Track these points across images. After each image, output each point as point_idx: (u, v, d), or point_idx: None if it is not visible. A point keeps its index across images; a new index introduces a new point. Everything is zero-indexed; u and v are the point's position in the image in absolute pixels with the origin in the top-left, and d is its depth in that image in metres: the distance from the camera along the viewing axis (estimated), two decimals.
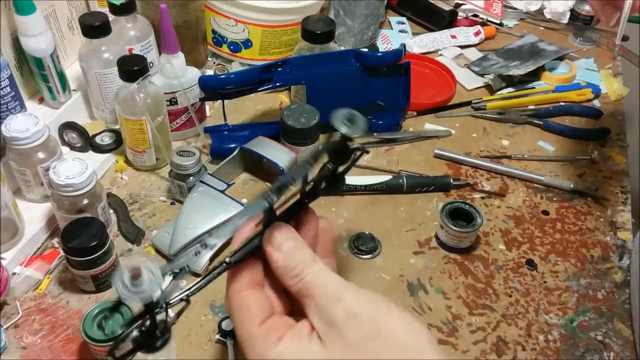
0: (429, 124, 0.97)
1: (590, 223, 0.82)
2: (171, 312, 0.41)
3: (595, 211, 0.84)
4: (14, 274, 0.71)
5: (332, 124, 0.42)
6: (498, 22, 1.19)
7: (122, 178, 0.85)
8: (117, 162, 0.87)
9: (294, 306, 0.45)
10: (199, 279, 0.42)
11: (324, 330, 0.39)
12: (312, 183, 0.46)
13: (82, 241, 0.66)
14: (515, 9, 1.23)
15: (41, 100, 0.87)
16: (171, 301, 0.40)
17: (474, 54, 1.12)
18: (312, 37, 0.91)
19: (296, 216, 0.46)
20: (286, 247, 0.42)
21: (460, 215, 0.76)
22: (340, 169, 0.46)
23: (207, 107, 0.95)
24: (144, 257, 0.39)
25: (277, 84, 0.87)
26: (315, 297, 0.40)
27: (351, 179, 0.84)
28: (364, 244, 0.76)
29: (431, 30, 1.17)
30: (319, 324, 0.40)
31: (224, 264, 0.42)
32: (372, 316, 0.39)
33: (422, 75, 1.05)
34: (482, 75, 1.06)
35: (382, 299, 0.40)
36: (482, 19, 1.19)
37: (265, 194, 0.42)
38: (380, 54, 0.95)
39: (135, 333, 0.39)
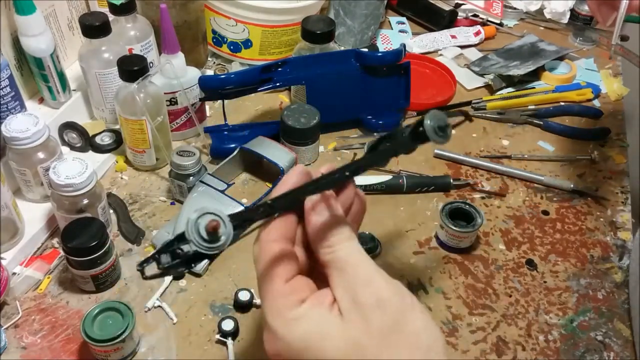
0: None
1: (590, 223, 0.82)
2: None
3: (595, 211, 0.84)
4: (14, 274, 0.71)
5: (425, 127, 0.40)
6: (498, 22, 1.19)
7: (122, 178, 0.85)
8: (117, 162, 0.87)
9: (312, 267, 0.45)
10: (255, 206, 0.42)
11: (348, 307, 0.39)
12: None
13: (82, 241, 0.66)
14: (515, 9, 1.23)
15: (41, 100, 0.87)
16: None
17: (474, 54, 1.12)
18: (312, 37, 0.91)
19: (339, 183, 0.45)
20: (327, 214, 0.42)
21: (460, 215, 0.76)
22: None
23: (207, 107, 0.95)
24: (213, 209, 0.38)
25: (277, 84, 0.88)
26: (346, 273, 0.40)
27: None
28: (364, 244, 0.75)
29: (431, 30, 1.17)
30: (343, 300, 0.39)
31: (268, 206, 0.42)
32: (399, 308, 0.39)
33: (422, 75, 1.05)
34: (482, 75, 1.06)
35: (407, 293, 0.40)
36: (482, 19, 1.19)
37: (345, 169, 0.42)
38: (380, 54, 0.95)
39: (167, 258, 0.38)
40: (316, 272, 0.44)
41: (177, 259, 0.39)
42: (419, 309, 0.40)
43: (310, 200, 0.42)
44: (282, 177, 0.79)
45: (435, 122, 0.39)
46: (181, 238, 0.39)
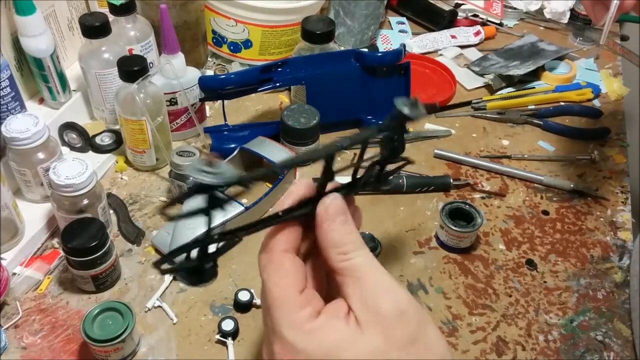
0: (429, 124, 0.97)
1: (590, 223, 0.82)
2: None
3: (595, 211, 0.84)
4: (14, 274, 0.71)
5: (394, 106, 0.42)
6: (498, 22, 1.19)
7: (122, 178, 0.85)
8: (117, 162, 0.87)
9: (316, 281, 0.44)
10: (253, 222, 0.42)
11: (366, 317, 0.39)
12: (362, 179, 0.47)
13: (82, 241, 0.66)
14: (515, 9, 1.23)
15: (41, 101, 0.87)
16: (222, 235, 0.40)
17: (474, 54, 1.12)
18: (312, 37, 0.91)
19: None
20: (340, 220, 0.41)
21: (460, 215, 0.76)
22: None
23: (207, 107, 0.96)
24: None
25: (277, 84, 0.88)
26: (364, 282, 0.40)
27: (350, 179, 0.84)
28: None
29: (431, 30, 1.17)
30: (360, 309, 0.39)
31: (277, 216, 0.42)
32: (418, 319, 0.39)
33: (422, 75, 1.05)
34: (482, 75, 1.06)
35: (420, 306, 0.40)
36: (482, 19, 1.19)
37: (339, 141, 0.42)
38: (380, 54, 0.95)
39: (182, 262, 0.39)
40: (320, 284, 0.44)
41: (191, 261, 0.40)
42: (431, 321, 0.40)
43: (323, 205, 0.42)
44: (282, 178, 0.80)
45: (405, 101, 0.42)
46: (196, 242, 0.39)
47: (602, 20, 0.73)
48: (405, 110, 0.42)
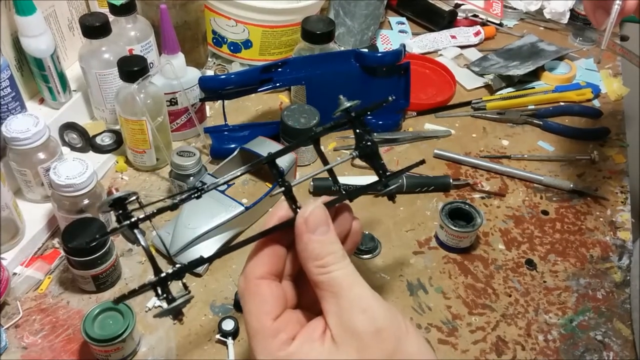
0: (429, 124, 0.97)
1: (589, 223, 0.82)
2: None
3: (594, 211, 0.84)
4: (15, 274, 0.71)
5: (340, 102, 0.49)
6: (498, 22, 1.19)
7: (122, 178, 0.86)
8: (117, 162, 0.87)
9: (302, 295, 0.44)
10: (227, 247, 0.43)
11: (341, 335, 0.38)
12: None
13: (82, 241, 0.66)
14: (515, 9, 1.23)
15: (41, 101, 0.87)
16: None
17: (473, 54, 1.12)
18: (312, 38, 0.91)
19: (334, 207, 0.44)
20: (320, 231, 0.40)
21: (460, 215, 0.76)
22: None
23: (207, 108, 0.96)
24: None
25: (277, 84, 0.88)
26: (340, 298, 0.39)
27: (351, 179, 0.85)
28: (364, 244, 0.76)
29: (431, 31, 1.17)
30: (336, 327, 0.39)
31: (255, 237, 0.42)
32: (395, 336, 0.38)
33: (422, 75, 1.05)
34: (482, 75, 1.06)
35: (400, 316, 0.40)
36: (482, 19, 1.19)
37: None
38: (380, 54, 0.95)
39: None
40: (305, 301, 0.44)
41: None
42: (412, 333, 0.39)
43: (302, 217, 0.40)
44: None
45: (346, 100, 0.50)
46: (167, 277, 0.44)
47: (604, 24, 0.73)
48: (347, 103, 0.49)
